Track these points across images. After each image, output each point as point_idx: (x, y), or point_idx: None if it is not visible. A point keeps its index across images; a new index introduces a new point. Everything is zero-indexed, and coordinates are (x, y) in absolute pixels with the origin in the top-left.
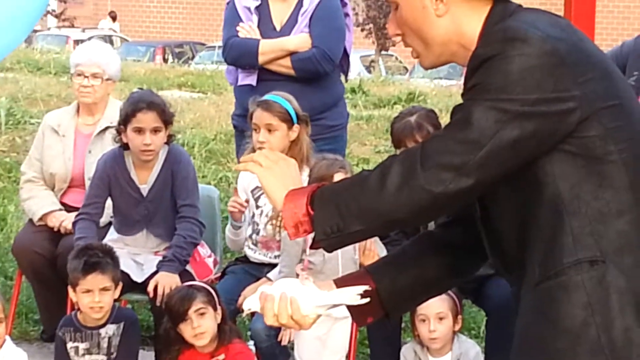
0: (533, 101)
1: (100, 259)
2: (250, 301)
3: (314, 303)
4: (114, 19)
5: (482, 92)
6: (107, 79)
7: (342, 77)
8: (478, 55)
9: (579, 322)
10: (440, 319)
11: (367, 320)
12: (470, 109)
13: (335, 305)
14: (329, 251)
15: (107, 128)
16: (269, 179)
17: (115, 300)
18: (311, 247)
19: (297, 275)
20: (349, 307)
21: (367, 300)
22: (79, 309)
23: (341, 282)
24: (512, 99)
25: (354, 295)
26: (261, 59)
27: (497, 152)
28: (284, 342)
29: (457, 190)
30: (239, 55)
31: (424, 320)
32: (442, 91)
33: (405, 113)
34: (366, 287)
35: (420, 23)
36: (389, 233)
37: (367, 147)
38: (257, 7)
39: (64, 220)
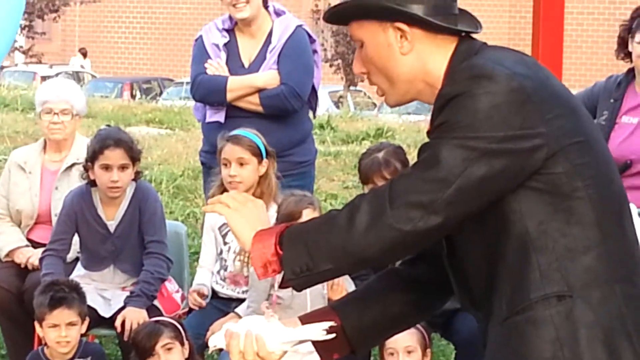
0: (500, 139)
1: (66, 294)
2: (215, 338)
3: (280, 339)
4: (84, 55)
5: (449, 130)
6: (76, 115)
7: (310, 114)
8: (444, 94)
9: (548, 356)
10: (409, 352)
11: (332, 356)
12: (437, 147)
13: (301, 342)
14: (298, 290)
15: (73, 165)
16: (237, 220)
17: (82, 335)
18: (280, 287)
19: (263, 313)
20: (315, 344)
21: (333, 336)
22: (46, 344)
23: (306, 319)
24: (479, 136)
25: (319, 331)
26: (229, 96)
27: (465, 190)
28: None
29: (426, 229)
30: (208, 92)
31: (392, 354)
32: (411, 127)
33: (373, 149)
34: (331, 323)
35: (385, 61)
36: (359, 271)
37: (335, 182)
38: (225, 44)
39: (31, 257)
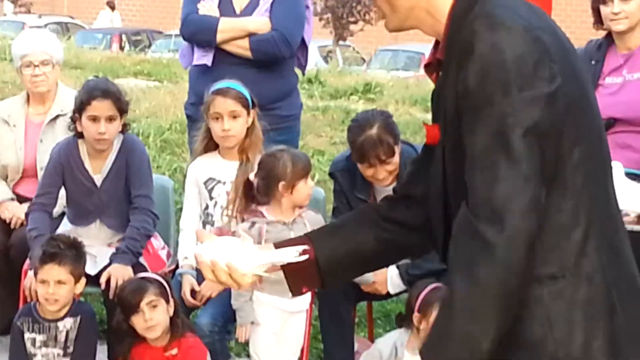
0: (535, 86)
1: (59, 251)
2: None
3: (253, 263)
4: (112, 8)
5: (487, 106)
6: (56, 64)
7: (299, 71)
8: (465, 42)
9: (538, 337)
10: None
11: (302, 289)
12: (496, 139)
13: (274, 265)
14: None
15: (58, 116)
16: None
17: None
18: None
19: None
20: (286, 275)
21: (306, 257)
22: (37, 300)
23: (281, 245)
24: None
25: (293, 252)
26: (219, 37)
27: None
28: (241, 340)
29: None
30: (198, 30)
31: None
32: (399, 82)
33: (364, 123)
34: (305, 247)
35: None
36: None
37: (323, 138)
38: None
39: (17, 212)
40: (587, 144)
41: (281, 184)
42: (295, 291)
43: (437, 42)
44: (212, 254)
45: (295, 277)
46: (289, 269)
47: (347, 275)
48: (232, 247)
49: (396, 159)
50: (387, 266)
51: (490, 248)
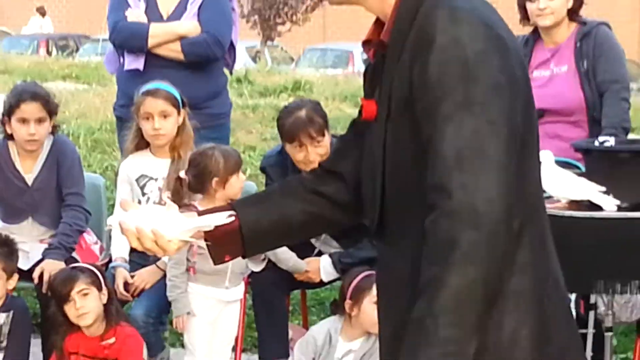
0: (498, 79)
1: None
2: (113, 219)
3: (179, 229)
4: (43, 14)
5: (448, 99)
6: None
7: (227, 71)
8: (425, 35)
9: None
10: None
11: (224, 258)
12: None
13: (199, 230)
14: None
15: None
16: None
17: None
18: None
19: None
20: (209, 243)
21: (233, 219)
22: None
23: (204, 213)
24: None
25: (220, 216)
26: (151, 42)
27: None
28: (179, 329)
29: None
30: (129, 37)
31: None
32: (329, 80)
33: (293, 107)
34: (231, 212)
35: None
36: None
37: (253, 135)
38: None
39: None
40: (530, 136)
41: (214, 180)
42: (218, 259)
43: (378, 20)
44: (137, 221)
45: (218, 245)
46: (211, 237)
47: (269, 244)
48: (158, 214)
49: (326, 142)
50: (309, 238)
51: (467, 248)
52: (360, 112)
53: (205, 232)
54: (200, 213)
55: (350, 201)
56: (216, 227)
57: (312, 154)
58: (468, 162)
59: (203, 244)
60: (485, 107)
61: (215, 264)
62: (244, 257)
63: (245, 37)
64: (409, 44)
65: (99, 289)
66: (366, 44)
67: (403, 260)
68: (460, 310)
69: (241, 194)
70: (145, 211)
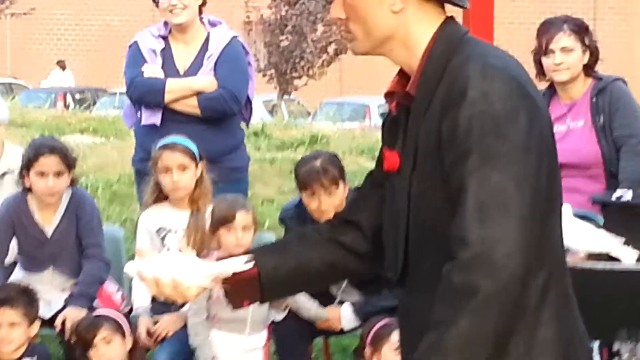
0: (527, 142)
1: (11, 295)
2: (130, 267)
3: (198, 275)
4: (63, 67)
5: (478, 151)
6: (1, 123)
7: (244, 125)
8: (459, 89)
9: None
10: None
11: (242, 303)
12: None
13: (218, 276)
14: None
15: (5, 174)
16: None
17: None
18: None
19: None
20: (227, 290)
21: (252, 264)
22: None
23: (223, 259)
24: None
25: (239, 262)
26: (167, 97)
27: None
28: None
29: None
30: (145, 92)
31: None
32: (345, 134)
33: (309, 158)
34: (250, 257)
35: (370, 13)
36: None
37: (271, 187)
38: (161, 50)
39: None
40: (554, 193)
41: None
42: (236, 305)
43: (401, 71)
44: (155, 269)
45: (236, 291)
46: (230, 283)
47: (287, 291)
48: (176, 261)
49: (341, 193)
50: (326, 287)
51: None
52: (378, 162)
53: (224, 279)
54: (219, 259)
55: (368, 251)
56: (234, 273)
57: (324, 203)
58: (490, 215)
59: (221, 290)
60: (512, 163)
61: (233, 308)
62: (261, 302)
63: (261, 91)
64: (437, 97)
65: (123, 336)
66: (389, 95)
67: (425, 308)
68: (468, 354)
69: (260, 245)
70: (163, 259)
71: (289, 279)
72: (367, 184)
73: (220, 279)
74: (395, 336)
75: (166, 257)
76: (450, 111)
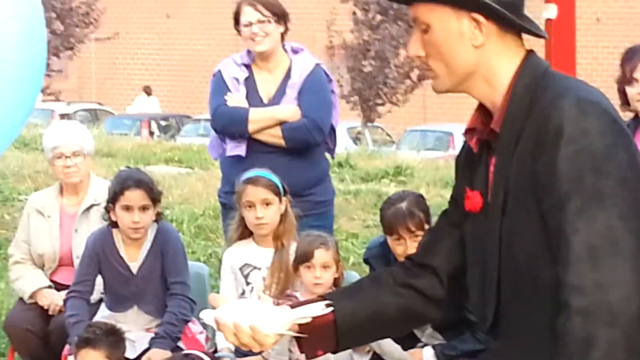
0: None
1: (94, 336)
2: (207, 315)
3: (276, 322)
4: (148, 93)
5: (581, 192)
6: (87, 155)
7: (328, 155)
8: (554, 126)
9: None
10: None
11: (317, 352)
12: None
13: (297, 321)
14: None
15: (91, 206)
16: None
17: None
18: None
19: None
20: (300, 340)
21: (331, 309)
22: None
23: (299, 305)
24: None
25: (317, 307)
26: (251, 127)
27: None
28: None
29: None
30: (229, 122)
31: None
32: (429, 164)
33: (395, 199)
34: (328, 302)
35: (451, 49)
36: None
37: (355, 221)
38: (245, 79)
39: (55, 299)
40: None
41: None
42: (310, 354)
43: (481, 107)
44: (233, 316)
45: (311, 340)
46: (307, 329)
47: (363, 338)
48: (253, 309)
49: None
50: (402, 334)
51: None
52: (454, 202)
53: (300, 325)
54: (294, 305)
55: (443, 296)
56: (313, 318)
57: (410, 248)
58: (602, 259)
59: (294, 342)
60: (616, 201)
61: (307, 359)
62: (335, 352)
63: (345, 118)
64: (526, 134)
65: None
66: (469, 132)
67: (519, 354)
68: None
69: (344, 284)
70: (240, 306)
71: (364, 325)
72: (443, 225)
73: (297, 325)
74: None
75: (243, 305)
76: (545, 150)
